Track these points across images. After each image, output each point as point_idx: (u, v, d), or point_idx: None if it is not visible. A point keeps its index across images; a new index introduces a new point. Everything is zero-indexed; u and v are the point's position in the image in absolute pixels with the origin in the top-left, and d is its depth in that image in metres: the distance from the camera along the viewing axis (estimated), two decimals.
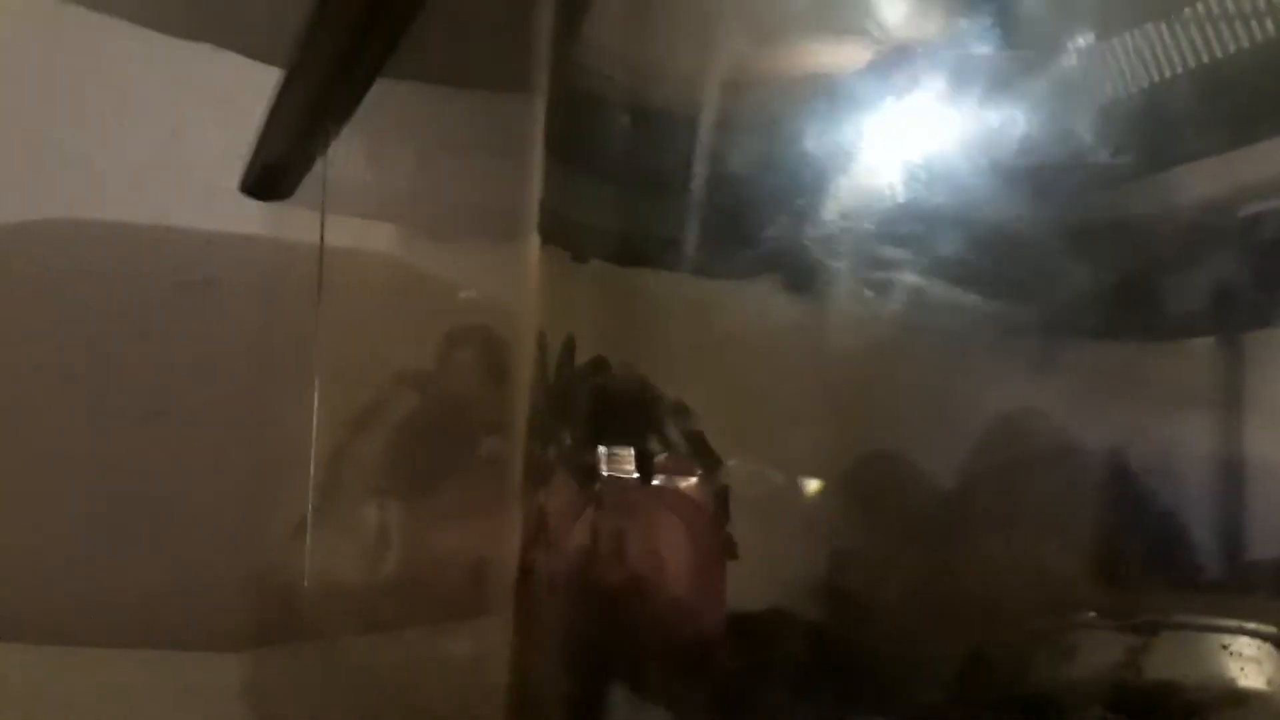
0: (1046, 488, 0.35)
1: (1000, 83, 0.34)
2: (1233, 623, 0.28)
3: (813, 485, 0.36)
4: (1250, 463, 0.35)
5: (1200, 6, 0.35)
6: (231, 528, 0.47)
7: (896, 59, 0.34)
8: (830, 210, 0.34)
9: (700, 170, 0.34)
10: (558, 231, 0.31)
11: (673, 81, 0.34)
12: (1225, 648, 0.28)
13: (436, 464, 0.36)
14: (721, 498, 0.35)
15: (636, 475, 0.34)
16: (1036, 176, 0.34)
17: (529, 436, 0.32)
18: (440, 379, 0.38)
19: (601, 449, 0.34)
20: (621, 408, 0.35)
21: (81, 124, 0.59)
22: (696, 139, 0.34)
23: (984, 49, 0.34)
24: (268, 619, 0.44)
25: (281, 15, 0.37)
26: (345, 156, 0.39)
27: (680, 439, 0.35)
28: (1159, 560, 0.34)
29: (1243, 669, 0.28)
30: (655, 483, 0.35)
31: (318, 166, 0.41)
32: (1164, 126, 0.36)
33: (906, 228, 0.34)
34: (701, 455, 0.35)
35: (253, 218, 0.51)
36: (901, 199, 0.34)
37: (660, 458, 0.35)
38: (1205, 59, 0.35)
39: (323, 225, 0.41)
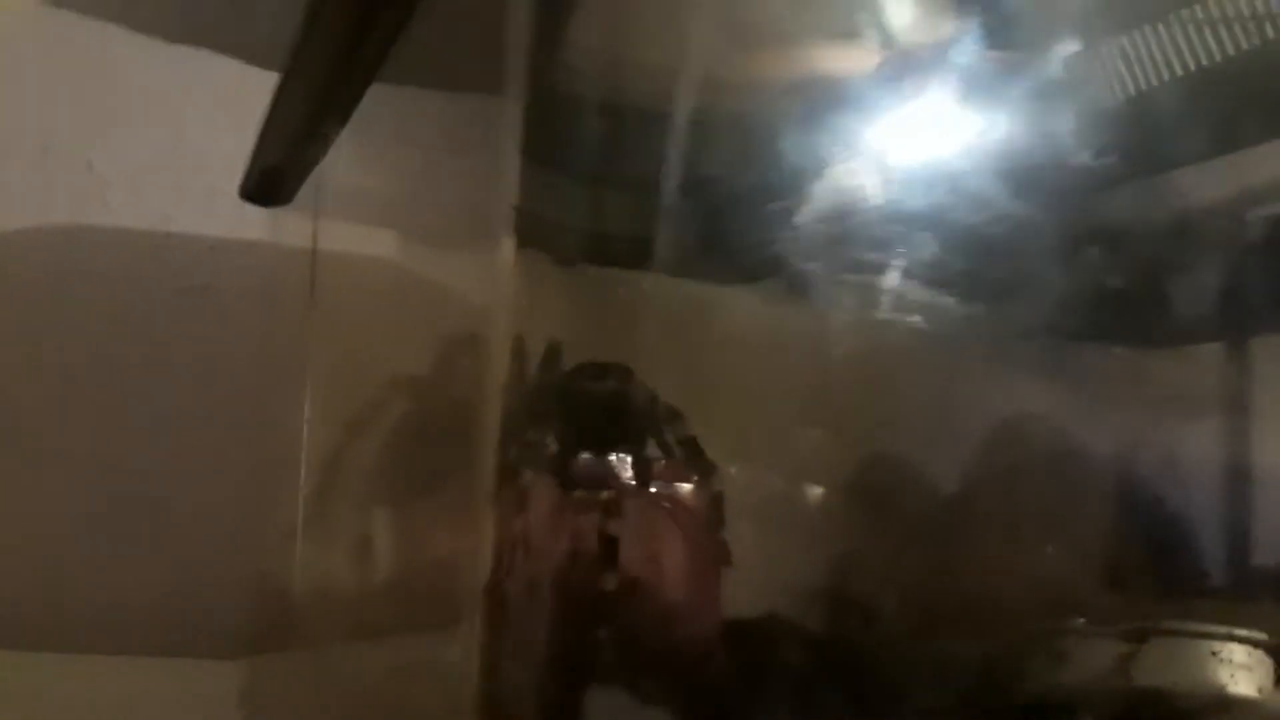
0: (1048, 493, 0.35)
1: (1001, 88, 0.34)
2: (1223, 629, 0.28)
3: (814, 490, 0.36)
4: (1256, 468, 0.35)
5: (1198, 9, 0.35)
6: (228, 533, 0.47)
7: (900, 63, 0.34)
8: (829, 215, 0.34)
9: (697, 175, 0.34)
10: (540, 235, 0.31)
11: (664, 85, 0.34)
12: (1215, 654, 0.28)
13: (429, 470, 0.36)
14: (716, 504, 0.35)
15: (629, 481, 0.34)
16: (1040, 181, 0.34)
17: (504, 442, 0.32)
18: (439, 385, 0.38)
19: (592, 455, 0.34)
20: (614, 413, 0.34)
21: (85, 130, 0.59)
22: (692, 144, 0.34)
23: (985, 54, 0.34)
24: (261, 626, 0.44)
25: (280, 20, 0.37)
26: (339, 161, 0.39)
27: (674, 445, 0.35)
28: (1161, 566, 0.33)
29: (1233, 675, 0.28)
30: (649, 489, 0.35)
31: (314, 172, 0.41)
32: (1166, 129, 0.36)
33: (906, 233, 0.34)
34: (696, 461, 0.35)
35: (253, 223, 0.51)
36: (899, 205, 0.34)
37: (654, 464, 0.35)
38: (1205, 62, 0.35)
39: (315, 231, 0.41)
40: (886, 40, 0.35)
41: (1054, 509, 0.34)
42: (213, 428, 0.56)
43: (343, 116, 0.39)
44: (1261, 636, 0.28)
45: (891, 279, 0.34)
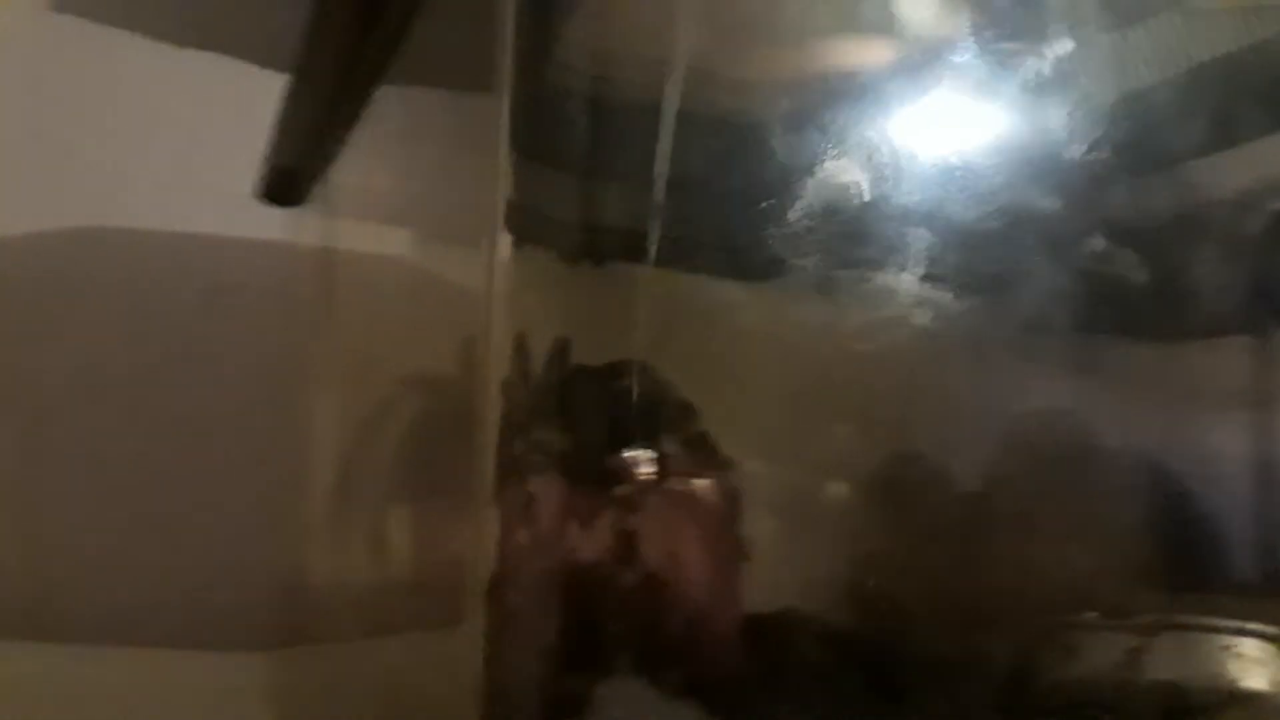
0: (1072, 488, 0.34)
1: (1019, 78, 0.34)
2: (1235, 623, 0.28)
3: (837, 487, 0.36)
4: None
5: None
6: (252, 530, 0.47)
7: (916, 57, 0.34)
8: (846, 211, 0.34)
9: (717, 168, 0.34)
10: (543, 231, 0.31)
11: (679, 76, 0.34)
12: (1228, 648, 0.28)
13: (441, 467, 0.36)
14: (731, 499, 0.35)
15: (644, 477, 0.34)
16: (1063, 173, 0.34)
17: (507, 439, 0.32)
18: (449, 383, 0.38)
19: (605, 451, 0.34)
20: (627, 409, 0.34)
21: (106, 135, 0.60)
22: (710, 135, 0.34)
23: (1002, 44, 0.34)
24: (284, 621, 0.45)
25: (289, 22, 0.37)
26: (351, 161, 0.39)
27: (689, 441, 0.35)
28: (1191, 562, 0.33)
29: (1245, 670, 0.28)
30: (663, 485, 0.35)
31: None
32: (1188, 117, 0.36)
33: (925, 229, 0.34)
34: (711, 457, 0.35)
35: (271, 224, 0.52)
36: (917, 200, 0.34)
37: (668, 460, 0.35)
38: (1229, 48, 0.35)
39: (326, 230, 0.42)
40: (900, 32, 0.35)
41: (1078, 505, 0.34)
42: (235, 426, 0.56)
43: (353, 115, 0.39)
44: (1275, 630, 0.28)
45: (911, 275, 0.34)
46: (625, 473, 0.34)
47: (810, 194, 0.33)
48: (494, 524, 0.31)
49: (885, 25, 0.35)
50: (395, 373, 0.39)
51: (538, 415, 0.33)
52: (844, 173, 0.33)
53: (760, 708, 0.33)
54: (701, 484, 0.34)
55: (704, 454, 0.35)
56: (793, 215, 0.33)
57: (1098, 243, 0.34)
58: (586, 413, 0.34)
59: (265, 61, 0.49)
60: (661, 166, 0.32)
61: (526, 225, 0.30)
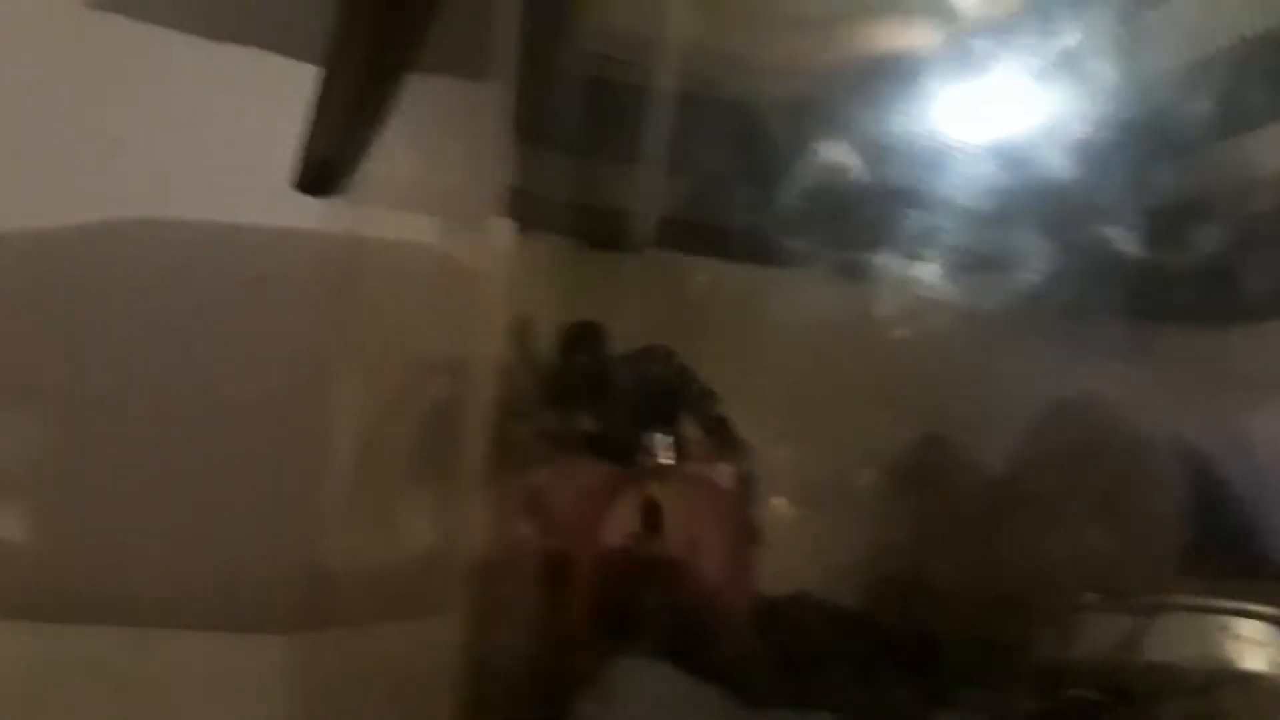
0: (1102, 474, 0.34)
1: (1053, 54, 0.34)
2: (1235, 604, 0.28)
3: (862, 472, 0.36)
4: None
5: None
6: (279, 515, 0.48)
7: (959, 41, 0.34)
8: (879, 193, 0.34)
9: (750, 155, 0.34)
10: (548, 216, 0.31)
11: (715, 63, 0.34)
12: (1227, 629, 0.28)
13: (456, 452, 0.36)
14: (747, 483, 0.35)
15: (664, 460, 0.35)
16: (1102, 153, 0.34)
17: (510, 421, 0.32)
18: (463, 368, 0.39)
19: (625, 433, 0.34)
20: (649, 393, 0.35)
21: (151, 128, 0.61)
22: (750, 123, 0.34)
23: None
24: (307, 603, 0.45)
25: (320, 13, 0.38)
26: (383, 150, 0.40)
27: (706, 424, 0.35)
28: (1225, 549, 0.33)
29: (1245, 651, 0.27)
30: (682, 468, 0.35)
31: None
32: (1234, 90, 0.35)
33: (961, 211, 0.34)
34: (727, 441, 0.35)
35: (310, 214, 0.52)
36: (949, 183, 0.34)
37: (687, 443, 0.35)
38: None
39: (352, 217, 0.42)
40: (922, 18, 0.35)
41: (1109, 491, 0.34)
42: (268, 415, 0.57)
43: (384, 103, 0.39)
44: (1275, 611, 0.28)
45: (945, 259, 0.34)
46: (647, 456, 0.34)
47: (825, 177, 0.33)
48: (489, 507, 0.32)
49: (903, 9, 0.35)
50: (418, 359, 0.40)
51: (549, 399, 0.34)
52: (847, 155, 0.33)
53: (782, 689, 0.33)
54: (721, 468, 0.35)
55: (723, 438, 0.35)
56: (803, 199, 0.33)
57: (1117, 225, 0.34)
58: (609, 397, 0.34)
59: (299, 53, 0.50)
60: (657, 150, 0.32)
61: (530, 210, 0.31)
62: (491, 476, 0.34)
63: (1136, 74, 0.35)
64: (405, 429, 0.40)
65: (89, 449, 0.60)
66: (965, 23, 0.35)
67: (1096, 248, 0.34)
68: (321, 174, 0.45)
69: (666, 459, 0.34)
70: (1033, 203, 0.34)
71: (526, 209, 0.32)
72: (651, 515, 0.34)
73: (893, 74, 0.34)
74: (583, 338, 0.35)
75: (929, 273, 0.34)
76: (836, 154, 0.33)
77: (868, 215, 0.33)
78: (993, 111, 0.35)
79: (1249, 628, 0.28)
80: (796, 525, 0.35)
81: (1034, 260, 0.34)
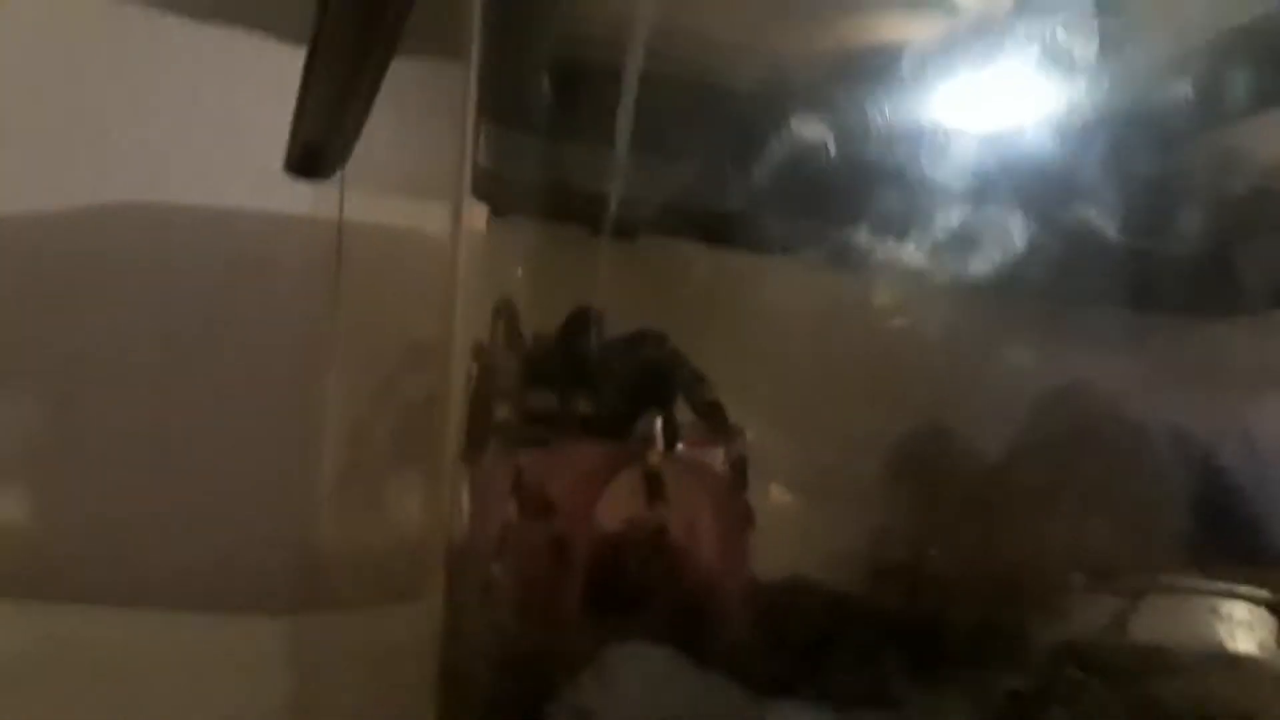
0: (1097, 463, 0.34)
1: (1047, 43, 0.34)
2: (1223, 586, 0.28)
3: (854, 457, 0.36)
4: None
5: None
6: (275, 498, 0.48)
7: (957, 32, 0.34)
8: (882, 182, 0.34)
9: (747, 142, 0.34)
10: (523, 199, 0.31)
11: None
12: (1215, 611, 0.28)
13: (442, 437, 0.36)
14: (739, 467, 0.35)
15: (657, 444, 0.35)
16: (1096, 142, 0.34)
17: (488, 405, 0.32)
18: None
19: (620, 417, 0.34)
20: (644, 377, 0.35)
21: (142, 112, 0.61)
22: (754, 110, 0.34)
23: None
24: (303, 586, 0.45)
25: None
26: (372, 133, 0.39)
27: (698, 408, 0.35)
28: (1213, 535, 0.33)
29: (1233, 632, 0.27)
30: (675, 451, 0.35)
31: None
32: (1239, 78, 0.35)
33: (957, 198, 0.34)
34: (720, 425, 0.35)
35: (303, 197, 0.52)
36: (944, 170, 0.34)
37: (681, 427, 0.35)
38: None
39: (341, 200, 0.42)
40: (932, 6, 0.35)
41: (1102, 478, 0.34)
42: (260, 397, 0.57)
43: (371, 88, 0.39)
44: (1263, 594, 0.28)
45: (943, 245, 0.34)
46: (640, 439, 0.34)
47: (802, 160, 0.33)
48: (472, 490, 0.32)
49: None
50: (405, 342, 0.40)
51: (541, 382, 0.33)
52: (824, 138, 0.33)
53: (776, 671, 0.33)
54: (713, 451, 0.35)
55: (714, 422, 0.35)
56: (779, 182, 0.33)
57: (1112, 215, 0.34)
58: (602, 380, 0.34)
59: (290, 36, 0.50)
60: (624, 130, 0.32)
61: (503, 192, 0.31)
62: (473, 459, 0.34)
63: (1126, 63, 0.35)
64: (394, 413, 0.40)
65: (83, 432, 0.60)
66: (946, 7, 0.35)
67: (1091, 236, 0.34)
68: (311, 156, 0.45)
69: (659, 442, 0.34)
70: (1026, 191, 0.34)
71: (499, 191, 0.31)
72: (654, 485, 0.34)
73: (874, 58, 0.34)
74: (577, 322, 0.34)
75: (921, 260, 0.34)
76: (813, 136, 0.33)
77: (844, 199, 0.33)
78: (982, 99, 0.35)
79: (1238, 610, 0.28)
80: (787, 509, 0.35)
81: (1028, 249, 0.34)
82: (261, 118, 0.53)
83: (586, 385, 0.34)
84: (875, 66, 0.34)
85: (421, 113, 0.40)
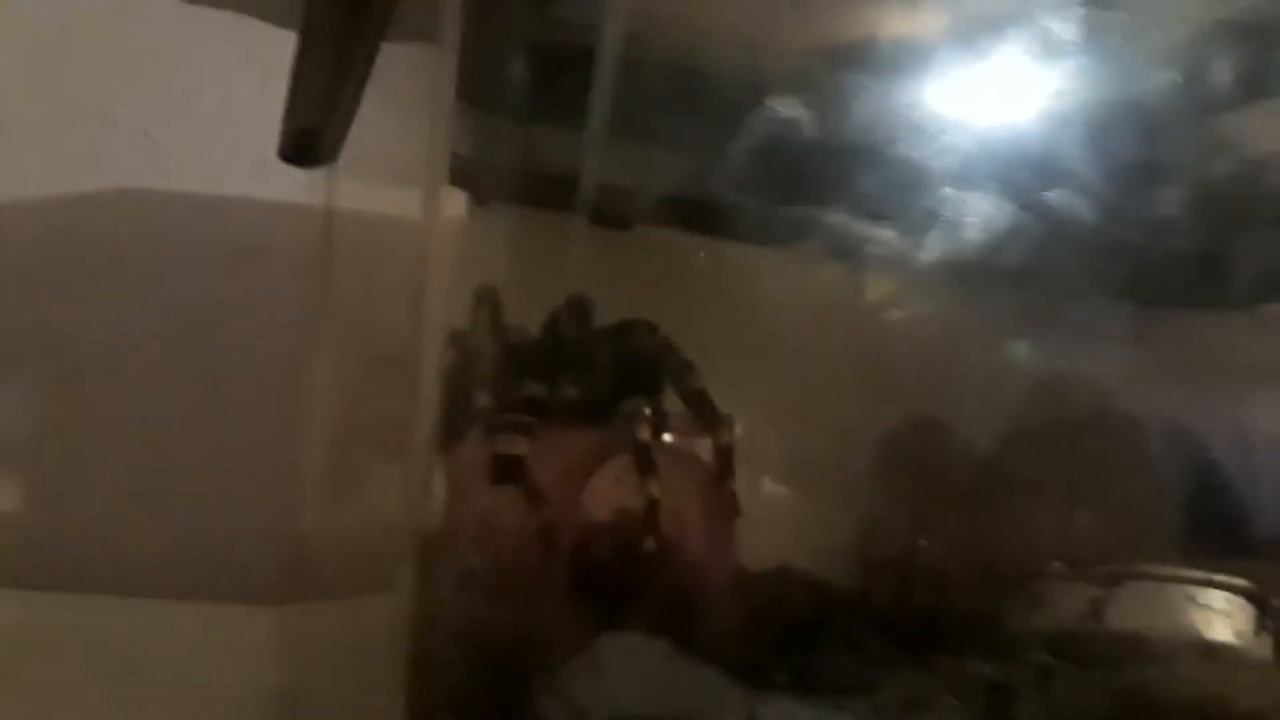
0: (1087, 456, 0.34)
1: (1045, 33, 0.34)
2: (1201, 574, 0.28)
3: (844, 448, 0.36)
4: None
5: None
6: (267, 487, 0.48)
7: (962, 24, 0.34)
8: (872, 171, 0.34)
9: (735, 129, 0.34)
10: (503, 185, 0.31)
11: (699, 34, 0.34)
12: (1192, 599, 0.28)
13: (430, 425, 0.36)
14: (725, 455, 0.35)
15: (645, 433, 0.34)
16: (1089, 134, 0.33)
17: (464, 393, 0.32)
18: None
19: (607, 406, 0.34)
20: (632, 366, 0.35)
21: (142, 100, 0.61)
22: (741, 96, 0.34)
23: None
24: (291, 576, 0.45)
25: None
26: (366, 118, 0.39)
27: (686, 397, 0.35)
28: (1195, 526, 0.33)
29: (1211, 621, 0.27)
30: (663, 441, 0.35)
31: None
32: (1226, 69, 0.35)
33: (951, 190, 0.34)
34: (706, 414, 0.35)
35: (300, 185, 0.52)
36: (939, 161, 0.34)
37: (668, 416, 0.35)
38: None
39: (330, 188, 0.42)
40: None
41: (1090, 470, 0.34)
42: (254, 384, 0.57)
43: (363, 72, 0.39)
44: (1241, 583, 0.28)
45: (934, 236, 0.34)
46: (627, 427, 0.34)
47: (783, 144, 0.33)
48: (450, 478, 0.31)
49: None
50: (390, 331, 0.40)
51: (527, 370, 0.33)
52: (804, 120, 0.33)
53: (764, 660, 0.33)
54: (700, 441, 0.35)
55: (703, 411, 0.35)
56: (758, 166, 0.33)
57: (1107, 206, 0.34)
58: (590, 368, 0.34)
59: (284, 20, 0.49)
60: (601, 115, 0.32)
61: (484, 179, 0.31)
62: (449, 448, 0.33)
63: (1115, 52, 0.35)
64: (380, 401, 0.40)
65: (73, 420, 0.60)
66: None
67: (1080, 228, 0.34)
68: (304, 142, 0.45)
69: (647, 430, 0.34)
70: (1015, 182, 0.34)
71: (480, 178, 0.31)
72: (644, 460, 0.33)
73: (863, 44, 0.34)
74: (566, 310, 0.34)
75: (913, 251, 0.34)
76: (800, 123, 0.33)
77: (836, 188, 0.33)
78: (970, 89, 0.34)
79: (1216, 598, 0.28)
80: (777, 499, 0.35)
81: (1018, 240, 0.34)
82: (256, 104, 0.53)
83: (574, 373, 0.34)
84: (863, 53, 0.34)
85: (408, 98, 0.39)
